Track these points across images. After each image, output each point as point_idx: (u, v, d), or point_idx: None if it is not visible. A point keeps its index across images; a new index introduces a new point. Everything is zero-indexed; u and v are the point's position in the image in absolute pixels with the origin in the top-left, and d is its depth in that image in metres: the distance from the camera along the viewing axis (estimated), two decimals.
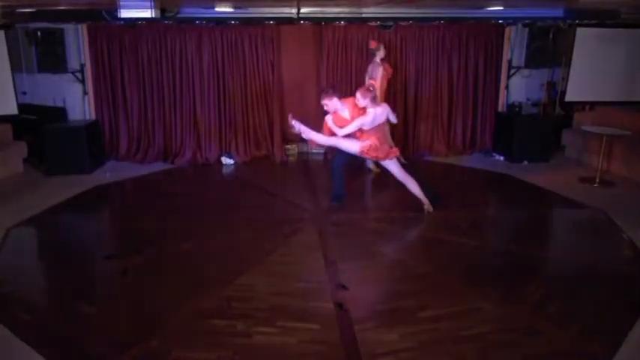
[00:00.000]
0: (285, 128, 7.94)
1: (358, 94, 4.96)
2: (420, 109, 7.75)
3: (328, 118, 5.18)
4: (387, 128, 5.47)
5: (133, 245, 4.57)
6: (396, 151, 5.15)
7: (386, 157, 5.05)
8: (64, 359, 3.02)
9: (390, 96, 7.10)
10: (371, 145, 4.93)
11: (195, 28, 7.16)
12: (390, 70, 6.60)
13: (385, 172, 5.38)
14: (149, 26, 7.09)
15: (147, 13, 5.22)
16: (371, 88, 5.05)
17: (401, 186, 5.32)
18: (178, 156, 7.52)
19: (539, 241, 4.90)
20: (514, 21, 7.26)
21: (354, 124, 4.95)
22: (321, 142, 5.31)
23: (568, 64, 7.38)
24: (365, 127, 4.95)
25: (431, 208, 5.24)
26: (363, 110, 4.99)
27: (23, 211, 5.35)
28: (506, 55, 7.78)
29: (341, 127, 5.03)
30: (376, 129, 4.99)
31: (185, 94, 7.43)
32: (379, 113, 4.96)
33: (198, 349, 3.05)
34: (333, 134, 5.12)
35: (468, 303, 3.56)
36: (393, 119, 5.25)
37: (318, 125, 5.41)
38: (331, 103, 5.12)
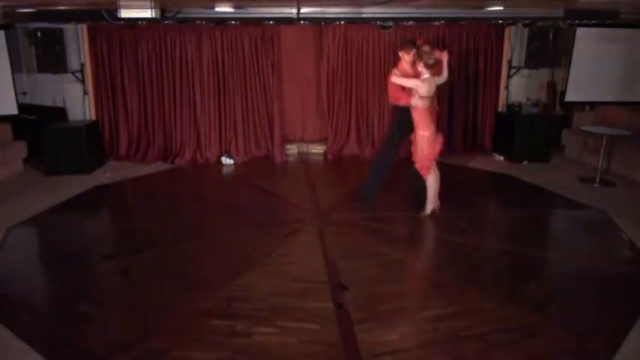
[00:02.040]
0: (285, 128, 7.97)
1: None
2: None
3: (396, 73, 5.20)
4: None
5: (133, 245, 4.57)
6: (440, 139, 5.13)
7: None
8: (64, 359, 3.02)
9: None
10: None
11: (195, 28, 7.16)
12: None
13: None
14: (149, 26, 7.09)
15: (147, 13, 5.21)
16: (425, 49, 5.06)
17: (401, 186, 5.33)
18: (178, 156, 7.52)
19: (539, 241, 4.90)
20: (514, 21, 7.25)
21: (411, 80, 5.01)
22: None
23: (568, 64, 7.38)
24: (420, 93, 4.92)
25: (428, 212, 5.22)
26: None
27: (23, 211, 5.36)
28: (506, 55, 7.78)
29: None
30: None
31: (185, 94, 7.43)
32: (434, 83, 4.96)
33: (198, 349, 3.05)
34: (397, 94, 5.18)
35: (468, 303, 3.57)
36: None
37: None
38: (408, 57, 5.19)
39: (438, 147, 5.06)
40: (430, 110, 5.02)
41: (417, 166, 5.11)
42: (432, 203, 5.21)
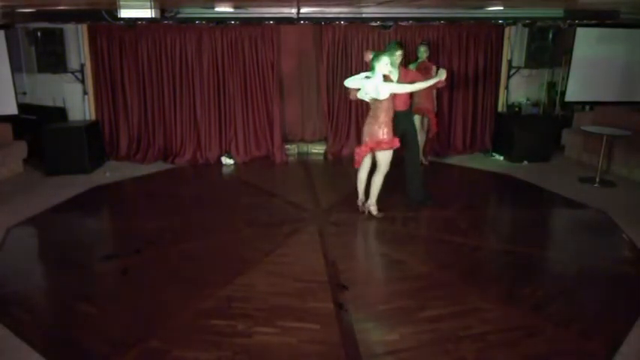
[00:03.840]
0: (285, 128, 7.97)
1: None
2: None
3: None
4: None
5: (133, 245, 4.57)
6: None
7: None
8: (64, 359, 3.02)
9: None
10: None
11: (195, 28, 7.16)
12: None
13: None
14: (149, 26, 7.09)
15: (147, 13, 5.22)
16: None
17: (401, 186, 5.32)
18: (178, 156, 7.52)
19: (539, 241, 4.89)
20: (514, 21, 7.26)
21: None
22: None
23: (568, 64, 7.39)
24: (359, 94, 5.02)
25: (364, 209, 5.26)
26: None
27: (23, 211, 5.36)
28: (506, 55, 7.78)
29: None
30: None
31: (185, 94, 7.43)
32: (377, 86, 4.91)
33: (199, 349, 3.05)
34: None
35: (468, 303, 3.56)
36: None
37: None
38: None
39: (366, 149, 5.04)
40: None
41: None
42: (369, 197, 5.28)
